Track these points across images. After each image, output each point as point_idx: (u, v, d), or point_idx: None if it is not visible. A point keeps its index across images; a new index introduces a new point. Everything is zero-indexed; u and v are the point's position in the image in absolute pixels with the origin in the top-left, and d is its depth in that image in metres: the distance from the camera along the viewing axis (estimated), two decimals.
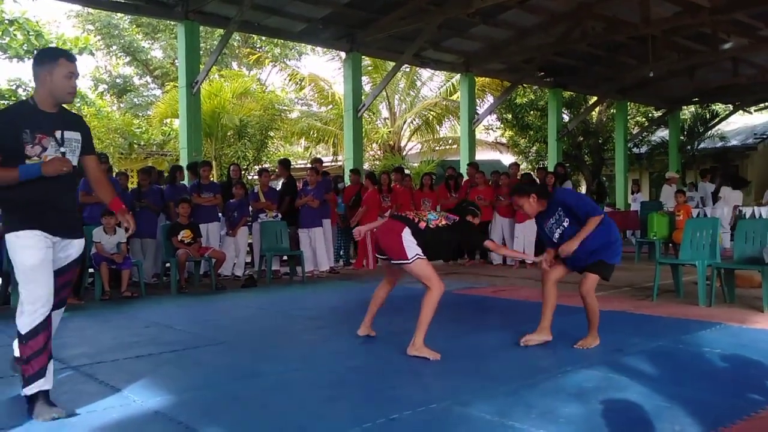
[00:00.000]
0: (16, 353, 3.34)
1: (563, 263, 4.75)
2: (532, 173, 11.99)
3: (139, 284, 7.94)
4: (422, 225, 4.42)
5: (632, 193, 16.70)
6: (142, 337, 5.30)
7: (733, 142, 20.77)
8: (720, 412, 3.11)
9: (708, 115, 20.73)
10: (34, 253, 3.17)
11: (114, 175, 8.93)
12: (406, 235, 4.35)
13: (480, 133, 20.41)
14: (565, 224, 4.55)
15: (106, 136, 16.76)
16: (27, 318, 3.16)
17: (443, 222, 4.53)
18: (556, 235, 4.61)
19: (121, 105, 26.19)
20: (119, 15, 23.42)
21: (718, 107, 20.81)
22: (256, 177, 16.14)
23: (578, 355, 4.35)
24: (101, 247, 7.61)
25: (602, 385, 3.63)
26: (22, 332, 3.16)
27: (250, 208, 9.76)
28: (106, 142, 16.52)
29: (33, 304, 3.15)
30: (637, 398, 3.36)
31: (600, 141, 20.62)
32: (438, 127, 20.93)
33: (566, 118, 18.87)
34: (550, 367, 4.03)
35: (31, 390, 3.19)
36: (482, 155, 18.98)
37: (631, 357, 4.24)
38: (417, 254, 4.34)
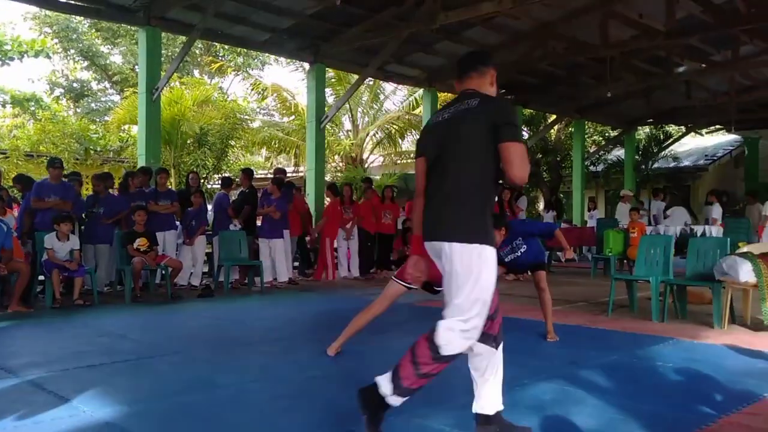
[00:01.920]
0: None
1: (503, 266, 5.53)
2: None
3: (92, 292, 7.74)
4: None
5: (589, 210, 17.02)
6: (94, 346, 5.16)
7: (686, 163, 21.39)
8: (673, 424, 3.17)
9: (662, 136, 21.32)
10: None
11: (67, 180, 8.70)
12: None
13: None
14: (521, 251, 5.43)
15: (61, 141, 16.36)
16: None
17: None
18: (507, 259, 5.46)
19: (78, 110, 25.65)
20: (78, 18, 23.00)
21: (672, 128, 21.44)
22: (215, 186, 16.03)
23: (535, 368, 4.39)
24: (53, 254, 7.40)
25: (559, 397, 3.67)
26: None
27: (210, 217, 9.63)
28: (61, 147, 16.12)
29: None
30: (593, 411, 3.40)
31: (558, 158, 21.00)
32: (400, 140, 21.02)
33: (526, 135, 19.17)
34: (507, 380, 4.01)
35: None
36: None
37: (587, 370, 4.30)
38: None
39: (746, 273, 5.66)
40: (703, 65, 13.65)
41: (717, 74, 14.47)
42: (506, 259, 5.42)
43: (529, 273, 5.71)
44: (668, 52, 12.84)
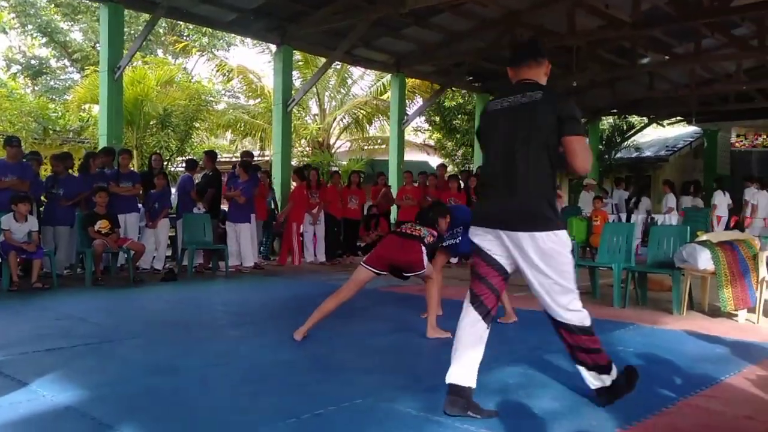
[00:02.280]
0: None
1: (445, 253, 5.75)
2: (458, 175, 12.17)
3: (51, 275, 7.56)
4: (426, 240, 4.85)
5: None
6: (53, 329, 5.04)
7: (647, 153, 21.78)
8: (634, 407, 3.23)
9: (625, 126, 21.67)
10: None
11: (25, 160, 8.47)
12: (424, 251, 4.80)
13: (408, 135, 20.57)
14: (458, 240, 5.45)
15: (18, 120, 15.86)
16: None
17: (431, 239, 4.94)
18: (445, 243, 5.54)
19: (36, 88, 24.90)
20: None
21: (635, 119, 21.81)
22: (179, 169, 15.77)
23: (499, 352, 4.43)
24: (10, 235, 7.20)
25: (523, 381, 3.71)
26: None
27: (174, 200, 9.47)
28: (18, 125, 15.63)
29: None
30: (557, 394, 3.45)
31: None
32: (368, 126, 20.94)
33: None
34: None
35: None
36: (410, 156, 19.16)
37: (551, 354, 4.35)
38: (427, 263, 4.85)
39: (705, 261, 5.80)
40: (666, 57, 13.89)
41: (679, 66, 14.75)
42: (444, 243, 5.53)
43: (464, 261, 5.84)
44: (633, 43, 13.03)
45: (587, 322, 3.07)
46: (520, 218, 2.94)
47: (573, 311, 3.04)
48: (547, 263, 2.94)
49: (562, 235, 2.97)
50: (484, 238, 3.10)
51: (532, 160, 2.92)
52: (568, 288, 3.02)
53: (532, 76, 3.11)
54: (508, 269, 3.13)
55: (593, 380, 3.14)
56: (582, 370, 3.14)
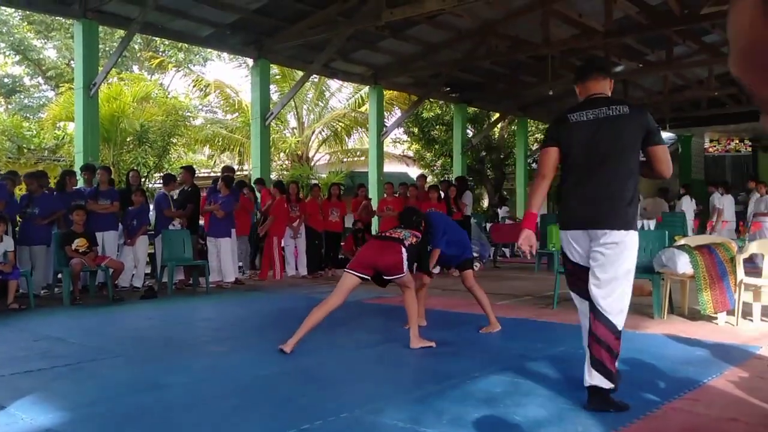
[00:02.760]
0: None
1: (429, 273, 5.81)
2: (438, 185, 12.23)
3: (28, 295, 7.42)
4: (407, 243, 4.83)
5: None
6: (31, 351, 4.95)
7: None
8: (617, 412, 3.25)
9: None
10: None
11: (3, 173, 8.33)
12: (404, 253, 4.78)
13: (387, 146, 20.65)
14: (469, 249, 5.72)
15: None
16: None
17: (413, 240, 4.92)
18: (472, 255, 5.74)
19: (10, 106, 24.59)
20: (9, 10, 22.03)
21: None
22: (157, 185, 15.63)
23: (485, 361, 4.44)
24: None
25: (509, 389, 3.72)
26: None
27: (152, 216, 9.37)
28: None
29: None
30: (543, 401, 3.46)
31: (502, 156, 21.36)
32: (346, 138, 20.97)
33: (470, 133, 19.41)
34: (458, 374, 4.08)
35: None
36: (390, 167, 19.21)
37: (535, 362, 4.37)
38: (407, 268, 4.81)
39: (684, 265, 5.87)
40: (639, 65, 14.12)
41: (652, 74, 15.02)
42: (469, 256, 5.66)
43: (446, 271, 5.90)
44: (606, 51, 13.22)
45: (621, 327, 3.29)
46: (608, 218, 3.23)
47: (617, 313, 3.27)
48: (617, 255, 3.22)
49: (636, 236, 3.30)
50: (570, 243, 3.41)
51: (621, 166, 3.24)
52: (616, 284, 3.25)
53: (600, 90, 3.43)
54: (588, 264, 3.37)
55: (593, 379, 3.23)
56: (594, 373, 3.23)
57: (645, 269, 6.46)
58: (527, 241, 3.46)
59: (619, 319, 3.25)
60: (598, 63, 3.57)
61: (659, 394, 3.55)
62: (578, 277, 3.42)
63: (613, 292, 3.23)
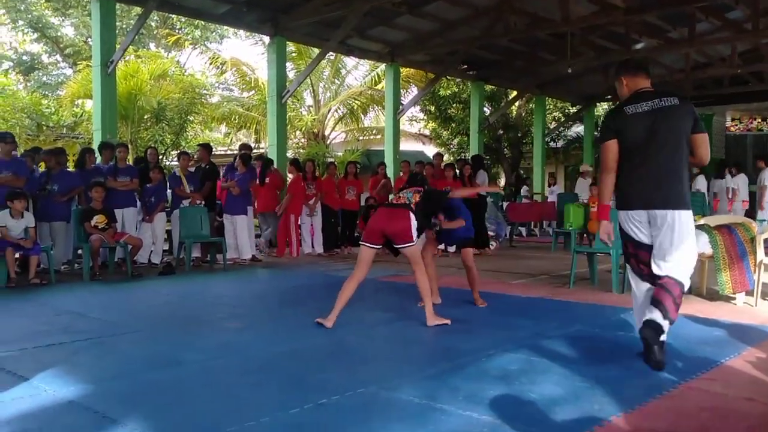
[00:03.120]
0: None
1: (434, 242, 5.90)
2: (454, 164, 12.17)
3: (49, 271, 7.54)
4: (413, 204, 4.91)
5: (549, 186, 17.26)
6: (52, 325, 5.03)
7: None
8: (636, 391, 3.25)
9: None
10: None
11: (19, 155, 8.42)
12: (413, 220, 4.84)
13: (403, 124, 20.55)
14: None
15: (11, 116, 15.81)
16: None
17: (417, 198, 4.97)
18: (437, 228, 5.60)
19: (29, 84, 24.77)
20: None
21: None
22: (174, 162, 15.72)
23: (500, 339, 4.45)
24: (6, 232, 7.17)
25: (525, 367, 3.72)
26: None
27: (169, 193, 9.44)
28: (12, 122, 15.59)
29: None
30: (559, 380, 3.46)
31: (519, 135, 21.19)
32: (363, 116, 20.90)
33: (487, 111, 19.26)
34: (473, 351, 4.09)
35: None
36: (406, 146, 19.14)
37: (551, 341, 4.37)
38: (416, 237, 4.88)
39: (703, 245, 5.80)
40: (660, 42, 13.87)
41: (673, 51, 14.74)
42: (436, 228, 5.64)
43: (454, 248, 6.02)
44: (627, 28, 13.00)
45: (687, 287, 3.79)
46: (669, 199, 3.68)
47: (685, 275, 3.75)
48: (680, 232, 3.67)
49: (691, 213, 3.77)
50: (632, 221, 3.81)
51: (677, 151, 3.69)
52: (684, 257, 3.71)
53: (646, 86, 3.87)
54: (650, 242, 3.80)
55: (652, 314, 3.61)
56: (658, 313, 3.60)
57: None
58: (606, 230, 3.93)
59: (685, 281, 3.73)
60: (645, 64, 4.18)
61: (676, 374, 3.54)
62: (639, 258, 3.85)
63: (679, 263, 3.70)
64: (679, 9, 11.56)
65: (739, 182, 12.59)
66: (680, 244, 3.67)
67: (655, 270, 3.73)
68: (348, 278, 4.92)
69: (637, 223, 3.79)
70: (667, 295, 3.62)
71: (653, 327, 3.56)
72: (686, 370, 3.62)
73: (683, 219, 3.68)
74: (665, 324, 3.59)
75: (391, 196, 5.22)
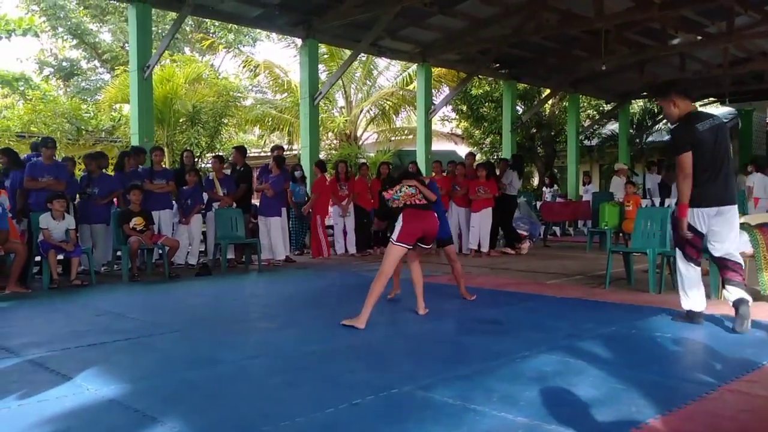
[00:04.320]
0: None
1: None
2: (493, 163, 12.11)
3: (89, 272, 7.72)
4: (425, 200, 5.21)
5: (583, 185, 17.04)
6: (93, 325, 5.16)
7: None
8: (673, 393, 3.20)
9: (656, 109, 21.28)
10: None
11: (61, 160, 8.65)
12: (436, 216, 5.32)
13: (435, 124, 20.51)
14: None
15: (52, 121, 16.20)
16: None
17: (419, 193, 5.20)
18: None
19: (68, 89, 25.38)
20: None
21: None
22: (209, 165, 15.94)
23: (535, 340, 4.42)
24: (48, 234, 7.36)
25: (560, 369, 3.69)
26: None
27: (205, 196, 9.58)
28: (53, 127, 15.98)
29: None
30: (594, 381, 3.42)
31: (552, 133, 20.96)
32: (394, 116, 20.92)
33: (520, 110, 19.10)
34: (507, 352, 4.08)
35: None
36: (438, 146, 19.09)
37: (587, 342, 4.33)
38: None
39: (743, 243, 5.68)
40: (698, 37, 13.59)
41: (711, 46, 14.40)
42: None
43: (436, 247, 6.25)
44: (662, 23, 12.76)
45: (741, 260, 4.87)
46: (733, 197, 4.71)
47: (736, 255, 4.81)
48: (733, 223, 4.71)
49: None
50: (702, 215, 4.65)
51: (731, 160, 4.70)
52: (736, 240, 4.83)
53: (695, 107, 4.90)
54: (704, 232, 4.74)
55: (732, 294, 4.63)
56: (733, 288, 4.65)
57: (702, 248, 6.29)
58: (684, 226, 4.68)
59: (738, 256, 4.79)
60: (691, 88, 5.33)
61: (715, 376, 3.48)
62: (694, 245, 4.75)
63: (733, 243, 4.74)
64: (717, 3, 11.31)
65: (755, 180, 12.43)
66: (735, 228, 4.74)
67: (712, 251, 4.75)
68: (375, 278, 4.97)
69: (705, 217, 4.63)
70: (732, 271, 4.69)
71: (743, 305, 4.53)
72: (725, 372, 3.55)
73: (735, 211, 4.74)
74: (744, 293, 4.60)
75: (409, 201, 5.31)
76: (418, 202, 5.15)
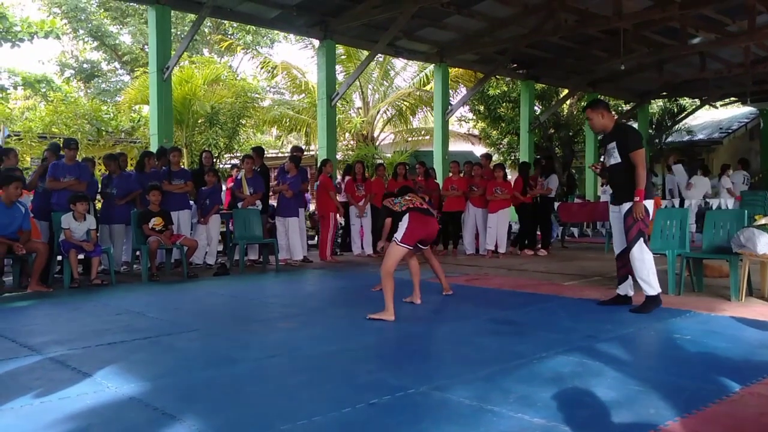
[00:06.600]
0: None
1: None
2: (504, 164, 12.06)
3: (109, 272, 7.81)
4: (434, 210, 5.88)
5: (602, 185, 16.90)
6: (113, 324, 5.22)
7: (700, 136, 21.16)
8: (692, 395, 3.17)
9: (676, 109, 21.07)
10: None
11: (81, 161, 8.76)
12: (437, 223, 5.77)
13: (452, 125, 20.44)
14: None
15: (73, 122, 16.39)
16: None
17: (420, 199, 5.80)
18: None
19: (89, 91, 25.69)
20: None
21: (686, 101, 21.17)
22: (226, 165, 16.05)
23: (552, 341, 4.40)
24: (70, 234, 7.46)
25: (577, 370, 3.67)
26: None
27: (223, 195, 9.64)
28: (74, 128, 16.16)
29: None
30: (613, 383, 3.41)
31: (570, 134, 20.82)
32: (411, 117, 20.90)
33: (538, 110, 19.00)
34: (525, 353, 4.06)
35: None
36: (455, 146, 19.07)
37: (605, 343, 4.30)
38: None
39: (764, 245, 5.62)
40: (718, 36, 13.43)
41: (732, 45, 14.22)
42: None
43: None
44: (682, 22, 12.63)
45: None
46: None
47: None
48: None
49: None
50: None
51: None
52: None
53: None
54: None
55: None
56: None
57: (722, 250, 6.23)
58: (642, 210, 5.28)
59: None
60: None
61: (736, 378, 3.44)
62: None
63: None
64: (738, 1, 11.18)
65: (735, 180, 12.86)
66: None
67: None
68: (382, 276, 5.24)
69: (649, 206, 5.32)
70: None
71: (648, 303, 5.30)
72: (746, 375, 3.51)
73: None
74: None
75: (416, 203, 5.67)
76: (419, 205, 5.60)
